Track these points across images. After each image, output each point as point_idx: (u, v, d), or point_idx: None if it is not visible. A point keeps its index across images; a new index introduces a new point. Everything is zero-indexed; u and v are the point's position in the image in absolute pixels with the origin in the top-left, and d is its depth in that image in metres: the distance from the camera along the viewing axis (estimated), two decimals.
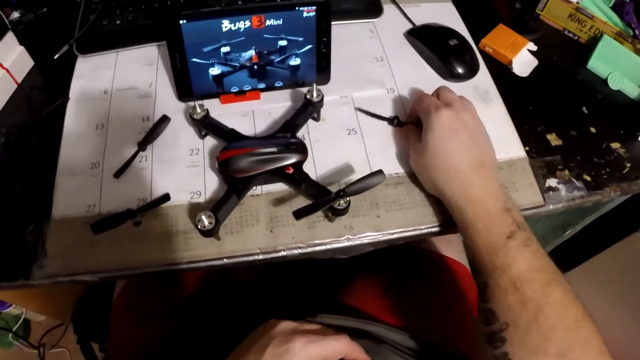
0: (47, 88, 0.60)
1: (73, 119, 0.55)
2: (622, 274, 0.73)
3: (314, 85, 0.51)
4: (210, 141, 0.53)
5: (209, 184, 0.49)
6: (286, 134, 0.49)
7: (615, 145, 0.56)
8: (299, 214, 0.42)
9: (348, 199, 0.44)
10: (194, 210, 0.48)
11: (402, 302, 0.61)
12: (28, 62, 0.61)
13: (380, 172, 0.44)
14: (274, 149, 0.46)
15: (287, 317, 0.50)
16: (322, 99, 0.51)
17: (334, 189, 0.45)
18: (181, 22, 0.48)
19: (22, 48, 0.60)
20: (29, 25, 0.64)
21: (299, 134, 0.52)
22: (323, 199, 0.43)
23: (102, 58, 0.60)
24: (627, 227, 0.69)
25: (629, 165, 0.55)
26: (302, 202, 0.48)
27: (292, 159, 0.46)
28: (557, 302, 0.39)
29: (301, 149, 0.48)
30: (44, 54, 0.61)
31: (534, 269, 0.40)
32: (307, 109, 0.51)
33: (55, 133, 0.54)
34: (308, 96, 0.51)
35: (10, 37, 0.58)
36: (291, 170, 0.46)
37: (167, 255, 0.46)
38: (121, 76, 0.58)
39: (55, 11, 0.66)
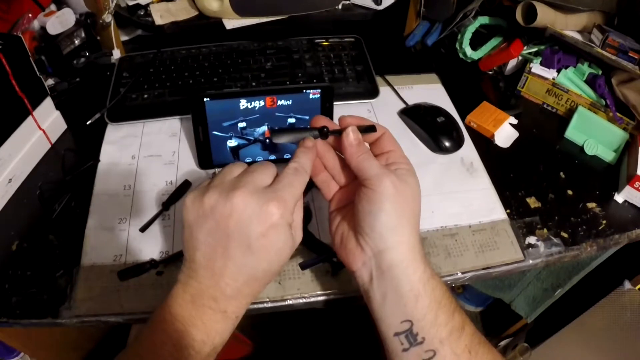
0: (77, 150, 0.73)
1: (103, 179, 0.68)
2: (610, 329, 0.82)
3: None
4: None
5: None
6: None
7: (591, 205, 0.68)
8: (304, 266, 0.53)
9: None
10: None
11: None
12: (62, 126, 0.75)
13: None
14: None
15: None
16: None
17: None
18: (205, 100, 0.62)
19: (58, 112, 0.73)
20: (63, 92, 0.78)
21: (305, 200, 0.64)
22: (327, 254, 0.55)
23: (130, 127, 0.73)
24: (611, 282, 0.79)
25: (604, 222, 0.66)
26: (307, 257, 0.59)
27: None
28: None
29: (306, 213, 0.59)
30: (76, 119, 0.75)
31: (475, 329, 0.42)
32: (310, 182, 0.63)
33: (86, 190, 0.66)
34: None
35: (48, 102, 0.71)
36: None
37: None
38: (147, 144, 0.71)
39: (88, 82, 0.80)
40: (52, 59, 0.79)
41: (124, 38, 0.89)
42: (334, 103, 0.65)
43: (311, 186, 0.63)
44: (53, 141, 0.73)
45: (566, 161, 0.74)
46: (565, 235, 0.65)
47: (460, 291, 1.45)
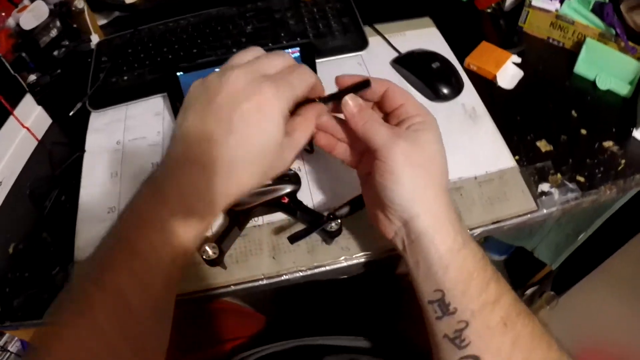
0: (64, 142, 0.70)
1: (90, 170, 0.64)
2: (638, 273, 0.76)
3: None
4: None
5: None
6: None
7: (607, 144, 0.61)
8: (293, 239, 0.49)
9: (339, 221, 0.50)
10: (202, 242, 0.55)
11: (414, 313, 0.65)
12: (46, 120, 0.71)
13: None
14: (269, 182, 0.53)
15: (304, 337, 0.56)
16: None
17: None
18: (178, 74, 0.57)
19: (40, 108, 0.70)
20: (46, 86, 0.75)
21: (295, 167, 0.59)
22: (317, 223, 0.50)
23: (113, 112, 0.69)
24: (636, 224, 0.73)
25: (623, 161, 0.59)
26: (300, 229, 0.55)
27: (287, 190, 0.53)
28: (540, 334, 0.38)
29: (294, 180, 0.55)
30: (60, 111, 0.71)
31: (517, 299, 0.38)
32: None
33: (74, 183, 0.63)
34: None
35: (28, 98, 0.68)
36: (286, 200, 0.53)
37: (180, 285, 0.53)
38: (132, 127, 0.67)
39: (69, 72, 0.76)
40: (32, 54, 0.75)
41: (102, 22, 0.84)
42: (322, 60, 0.59)
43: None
44: (39, 137, 0.70)
45: (577, 98, 0.66)
46: (581, 179, 0.58)
47: (482, 241, 1.39)
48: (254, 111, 0.35)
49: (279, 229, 0.55)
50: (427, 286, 0.39)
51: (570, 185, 0.58)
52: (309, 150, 0.60)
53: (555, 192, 0.58)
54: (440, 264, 0.38)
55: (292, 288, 0.54)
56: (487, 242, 1.37)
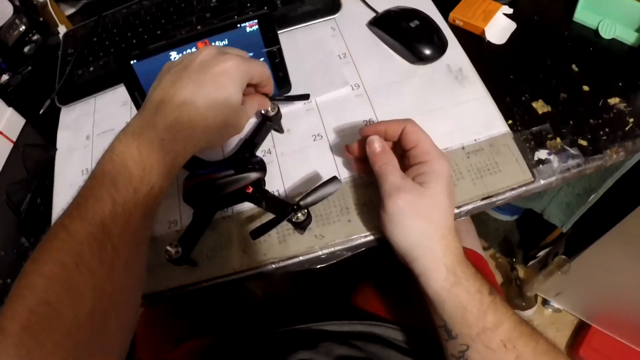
0: (41, 142, 0.65)
1: (62, 169, 0.60)
2: None
3: (274, 103, 0.52)
4: (183, 171, 0.55)
5: (184, 212, 0.52)
6: (245, 154, 0.50)
7: (613, 100, 0.53)
8: (255, 234, 0.44)
9: (306, 210, 0.45)
10: (174, 239, 0.50)
11: (412, 300, 0.61)
12: (20, 121, 0.67)
13: (334, 179, 0.43)
14: (231, 172, 0.47)
15: (297, 324, 0.52)
16: (279, 111, 0.52)
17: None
18: (132, 62, 0.51)
19: (11, 109, 0.66)
20: (18, 86, 0.70)
21: (265, 149, 0.53)
22: (278, 215, 0.44)
23: (82, 106, 0.64)
24: None
25: (631, 120, 0.51)
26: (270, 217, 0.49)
27: (250, 179, 0.48)
28: (544, 351, 0.40)
29: (259, 167, 0.49)
30: (32, 110, 0.67)
31: (519, 322, 0.40)
32: (265, 125, 0.53)
33: (48, 185, 0.60)
34: (263, 111, 0.52)
35: None
36: (251, 190, 0.48)
37: (151, 287, 0.49)
38: (100, 120, 0.62)
39: (39, 68, 0.72)
40: (1, 53, 0.70)
41: (70, 11, 0.78)
42: (292, 28, 0.53)
43: (268, 131, 0.53)
44: (14, 139, 0.66)
45: (578, 50, 0.57)
46: (583, 142, 0.50)
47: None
48: (221, 73, 0.42)
49: (249, 219, 0.50)
50: (433, 315, 0.43)
51: (572, 151, 0.50)
52: (279, 130, 0.54)
53: (554, 159, 0.50)
54: (437, 300, 0.41)
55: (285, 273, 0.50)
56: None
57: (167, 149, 0.39)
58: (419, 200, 0.40)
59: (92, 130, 0.62)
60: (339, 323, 0.57)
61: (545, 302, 1.20)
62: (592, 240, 0.80)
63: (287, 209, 0.44)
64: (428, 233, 0.40)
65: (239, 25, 0.51)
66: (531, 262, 1.15)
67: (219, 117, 0.42)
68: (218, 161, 0.53)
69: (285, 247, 0.48)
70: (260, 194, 0.48)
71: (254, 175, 0.48)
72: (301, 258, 0.48)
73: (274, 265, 0.48)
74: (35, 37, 0.73)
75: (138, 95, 0.54)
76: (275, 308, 0.69)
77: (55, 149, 0.62)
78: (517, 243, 1.23)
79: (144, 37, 0.64)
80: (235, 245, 0.49)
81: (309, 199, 0.44)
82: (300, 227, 0.46)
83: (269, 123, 0.53)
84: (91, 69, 0.64)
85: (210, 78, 0.41)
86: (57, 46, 0.72)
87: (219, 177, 0.47)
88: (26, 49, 0.72)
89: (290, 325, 0.57)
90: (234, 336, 0.61)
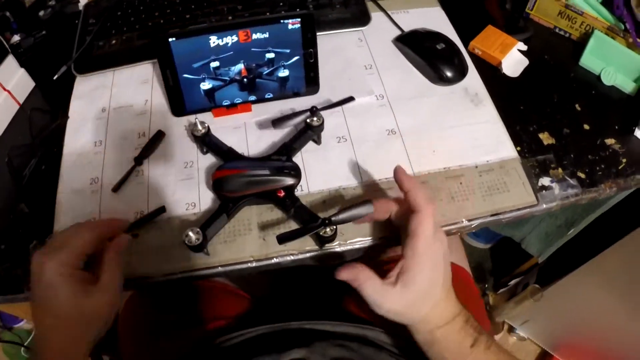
0: (48, 108, 0.64)
1: (73, 138, 0.59)
2: (628, 271, 0.74)
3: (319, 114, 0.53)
4: (207, 156, 0.55)
5: (203, 196, 0.52)
6: (282, 157, 0.51)
7: (610, 141, 0.58)
8: (282, 239, 0.44)
9: (335, 227, 0.46)
10: (190, 222, 0.51)
11: None
12: (29, 84, 0.65)
13: (367, 202, 0.45)
14: (266, 172, 0.48)
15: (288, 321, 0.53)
16: (323, 122, 0.53)
17: (323, 207, 0.47)
18: (170, 40, 0.52)
19: (22, 70, 0.64)
20: (30, 48, 0.68)
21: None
22: (309, 226, 0.45)
23: (99, 78, 0.63)
24: (631, 222, 0.70)
25: (624, 160, 0.56)
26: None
27: (284, 183, 0.49)
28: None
29: (294, 174, 0.50)
30: (44, 75, 0.65)
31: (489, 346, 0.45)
32: (307, 133, 0.53)
33: (55, 152, 0.58)
34: (308, 120, 0.53)
35: (10, 60, 0.62)
36: (282, 194, 0.48)
37: (164, 266, 0.49)
38: (118, 95, 0.61)
39: (54, 34, 0.70)
40: (16, 13, 0.68)
41: None
42: (320, 33, 0.54)
43: (308, 140, 0.55)
44: (21, 101, 0.64)
45: (582, 91, 0.62)
46: (582, 175, 0.55)
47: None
48: (36, 283, 0.41)
49: (270, 209, 0.51)
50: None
51: (571, 181, 0.55)
52: (317, 140, 0.55)
53: (555, 186, 0.54)
54: (425, 343, 0.46)
55: (279, 269, 0.51)
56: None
57: None
58: (401, 304, 0.43)
59: (108, 103, 0.61)
60: (333, 323, 0.58)
61: (511, 330, 1.24)
62: (565, 272, 0.85)
63: (318, 223, 0.45)
64: (414, 312, 0.44)
65: (281, 21, 0.52)
66: (501, 290, 1.20)
67: (69, 326, 0.41)
68: (253, 157, 0.54)
69: (304, 240, 0.49)
70: (290, 201, 0.49)
71: (289, 180, 0.49)
72: (320, 252, 0.49)
73: (292, 257, 0.49)
74: (51, 2, 0.72)
75: (169, 74, 0.54)
76: (265, 305, 0.69)
77: (66, 117, 0.61)
78: (490, 270, 1.28)
79: (172, 19, 0.64)
80: (255, 233, 0.49)
81: (340, 217, 0.44)
82: (325, 241, 0.47)
83: (309, 132, 0.53)
84: (113, 42, 0.64)
85: (35, 294, 0.42)
86: (74, 15, 0.70)
87: (253, 174, 0.48)
88: (41, 13, 0.71)
89: (282, 321, 0.58)
90: (225, 330, 0.61)
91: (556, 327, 1.04)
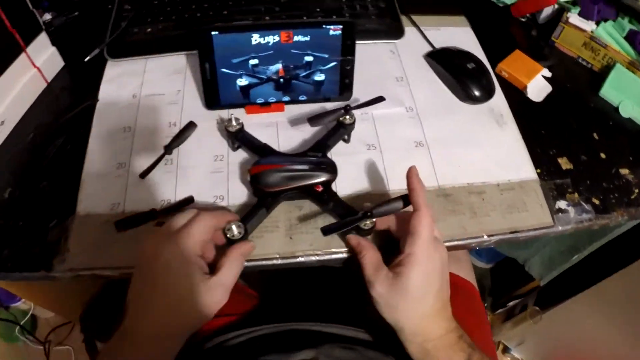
0: (75, 89, 0.64)
1: (101, 121, 0.59)
2: (630, 300, 0.76)
3: (352, 112, 0.55)
4: (237, 151, 0.56)
5: (233, 190, 0.53)
6: (317, 154, 0.52)
7: (624, 171, 0.60)
8: (326, 231, 0.45)
9: (374, 220, 0.47)
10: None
11: None
12: (59, 63, 0.65)
13: (405, 197, 0.46)
14: (305, 167, 0.49)
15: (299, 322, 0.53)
16: (354, 122, 0.55)
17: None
18: (213, 33, 0.53)
19: (54, 49, 0.64)
20: (61, 27, 0.69)
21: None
22: (351, 218, 0.46)
23: (131, 64, 0.64)
24: (635, 252, 0.72)
25: (637, 190, 0.58)
26: (322, 214, 0.52)
27: (322, 178, 0.50)
28: None
29: (331, 169, 0.51)
30: (74, 56, 0.65)
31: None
32: (339, 131, 0.55)
33: (82, 133, 0.58)
34: (341, 119, 0.54)
35: (43, 37, 0.62)
36: (320, 189, 0.50)
37: None
38: (150, 82, 0.62)
39: (87, 15, 0.70)
40: None
41: None
42: None
43: (339, 138, 0.56)
44: (49, 79, 0.64)
45: (600, 121, 0.64)
46: (596, 201, 0.57)
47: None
48: (153, 263, 0.41)
49: (298, 209, 0.52)
50: None
51: (586, 206, 0.57)
52: (346, 139, 0.57)
53: (571, 210, 0.56)
54: (416, 356, 0.46)
55: (291, 268, 0.52)
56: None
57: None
58: (391, 294, 0.44)
59: (139, 90, 0.61)
60: (341, 327, 0.58)
61: (505, 350, 1.25)
62: (565, 297, 0.87)
63: (360, 215, 0.46)
64: (402, 314, 0.45)
65: (324, 26, 0.54)
66: (499, 310, 1.21)
67: (186, 308, 0.42)
68: (290, 154, 0.54)
69: (330, 241, 0.50)
70: (328, 195, 0.50)
71: (327, 176, 0.50)
72: (345, 255, 0.50)
73: (317, 257, 0.50)
74: None
75: (208, 66, 0.55)
76: (272, 304, 0.70)
77: (96, 100, 0.61)
78: (489, 289, 1.29)
79: (209, 12, 0.65)
80: (282, 231, 0.50)
81: (381, 209, 0.46)
82: (363, 234, 0.48)
83: (342, 130, 0.55)
84: (148, 30, 0.64)
85: (158, 275, 0.41)
86: None
87: (292, 169, 0.49)
88: None
89: (290, 322, 0.58)
90: (232, 327, 0.61)
91: (552, 351, 1.06)
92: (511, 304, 1.16)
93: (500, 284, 1.24)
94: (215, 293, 0.42)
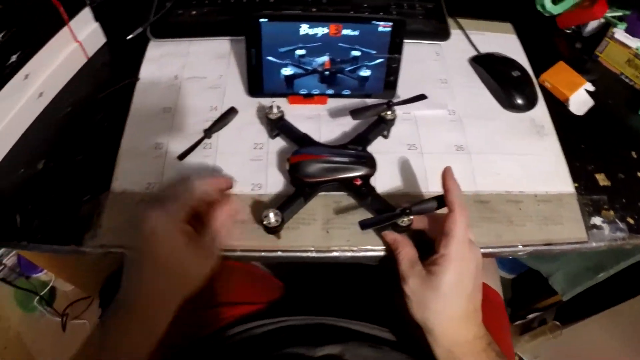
0: (115, 66, 0.64)
1: (141, 100, 0.59)
2: None
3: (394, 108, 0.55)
4: (277, 140, 0.56)
5: (271, 179, 0.53)
6: (357, 147, 0.52)
7: None
8: (364, 225, 0.45)
9: (412, 217, 0.47)
10: (254, 202, 0.51)
11: None
12: (100, 39, 0.66)
13: (440, 198, 0.46)
14: (345, 159, 0.49)
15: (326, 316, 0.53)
16: (395, 118, 0.55)
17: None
18: (262, 20, 0.53)
19: (96, 24, 0.64)
20: (104, 3, 0.69)
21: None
22: (390, 213, 0.46)
23: (174, 45, 0.64)
24: None
25: None
26: (360, 210, 0.51)
27: (362, 171, 0.49)
28: None
29: (371, 163, 0.51)
30: (116, 33, 0.65)
31: None
32: (380, 126, 0.55)
33: (121, 110, 0.58)
34: (382, 114, 0.54)
35: (86, 12, 0.62)
36: (359, 182, 0.49)
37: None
38: (192, 65, 0.62)
39: None
40: None
41: None
42: None
43: (380, 133, 0.56)
44: (90, 55, 0.65)
45: (638, 140, 0.64)
46: (631, 220, 0.56)
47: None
48: (140, 232, 0.42)
49: (336, 203, 0.52)
50: None
51: (621, 225, 0.56)
52: (385, 135, 0.57)
53: (606, 227, 0.55)
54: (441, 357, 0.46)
55: (319, 262, 0.51)
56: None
57: (137, 323, 0.43)
58: (423, 292, 0.44)
59: (181, 72, 0.61)
60: (368, 325, 0.58)
61: None
62: (586, 314, 0.86)
63: (398, 211, 0.46)
64: (430, 318, 0.45)
65: (373, 22, 0.53)
66: (517, 322, 1.21)
67: (175, 275, 0.43)
68: (330, 145, 0.54)
69: (366, 238, 0.50)
70: (366, 189, 0.50)
71: (367, 169, 0.50)
72: (378, 253, 0.50)
73: (351, 253, 0.50)
74: None
75: (254, 53, 0.55)
76: (299, 296, 0.70)
77: (137, 78, 0.61)
78: (509, 300, 1.28)
79: (256, 0, 0.65)
80: (319, 224, 0.50)
81: (419, 207, 0.46)
82: (400, 231, 0.48)
83: (382, 125, 0.55)
84: (193, 12, 0.64)
85: (146, 243, 0.42)
86: None
87: (332, 160, 0.49)
88: None
89: (316, 315, 0.58)
90: (257, 316, 0.61)
91: None
92: (530, 316, 1.15)
93: (521, 295, 1.23)
94: (203, 256, 0.44)
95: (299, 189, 0.49)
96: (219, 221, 0.44)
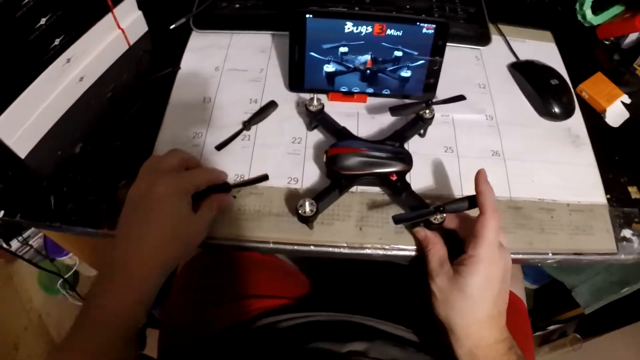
0: (156, 55, 0.65)
1: (181, 89, 0.61)
2: None
3: (432, 108, 0.56)
4: (314, 134, 0.57)
5: (307, 174, 0.54)
6: (394, 143, 0.53)
7: None
8: (398, 220, 0.46)
9: (444, 215, 0.48)
10: (290, 195, 0.52)
11: None
12: (143, 28, 0.67)
13: (472, 197, 0.47)
14: (382, 154, 0.50)
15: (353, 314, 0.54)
16: (433, 117, 0.55)
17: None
18: (307, 16, 0.53)
19: (140, 13, 0.65)
20: None
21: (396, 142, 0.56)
22: (424, 210, 0.47)
23: (216, 37, 0.65)
24: None
25: None
26: (394, 208, 0.52)
27: (398, 167, 0.50)
28: None
29: (408, 160, 0.51)
30: (159, 22, 0.67)
31: None
32: (417, 124, 0.55)
33: (161, 98, 0.60)
34: (421, 112, 0.55)
35: (130, 0, 0.64)
36: (395, 178, 0.50)
37: (256, 232, 0.50)
38: (233, 57, 0.63)
39: None
40: None
41: None
42: None
43: (417, 131, 0.57)
44: (132, 42, 0.66)
45: None
46: None
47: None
48: (159, 200, 0.45)
49: (372, 201, 0.53)
50: None
51: None
52: (422, 134, 0.58)
53: (636, 241, 0.56)
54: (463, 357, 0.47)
55: (347, 260, 0.52)
56: (525, 266, 1.33)
57: (130, 284, 0.44)
58: (449, 291, 0.45)
59: (222, 63, 0.63)
60: (394, 326, 0.58)
61: None
62: (607, 329, 0.86)
63: (432, 209, 0.47)
64: (455, 317, 0.45)
65: (417, 24, 0.54)
66: (538, 333, 1.20)
67: (173, 239, 0.45)
68: (368, 140, 0.55)
69: (399, 238, 0.51)
70: (402, 185, 0.50)
71: (403, 165, 0.50)
72: (410, 253, 0.51)
73: (384, 251, 0.51)
74: None
75: (297, 50, 0.56)
76: (326, 292, 0.71)
77: (178, 68, 0.63)
78: (530, 310, 1.28)
79: None
80: (353, 221, 0.51)
81: (453, 206, 0.47)
82: (432, 228, 0.49)
83: (420, 123, 0.55)
84: (237, 5, 0.65)
85: (151, 209, 0.45)
86: None
87: (369, 154, 0.50)
88: None
89: (344, 312, 0.59)
90: (285, 309, 0.62)
91: None
92: (551, 328, 1.15)
93: (543, 306, 1.23)
94: (200, 225, 0.47)
95: (335, 181, 0.50)
96: (215, 206, 0.48)
